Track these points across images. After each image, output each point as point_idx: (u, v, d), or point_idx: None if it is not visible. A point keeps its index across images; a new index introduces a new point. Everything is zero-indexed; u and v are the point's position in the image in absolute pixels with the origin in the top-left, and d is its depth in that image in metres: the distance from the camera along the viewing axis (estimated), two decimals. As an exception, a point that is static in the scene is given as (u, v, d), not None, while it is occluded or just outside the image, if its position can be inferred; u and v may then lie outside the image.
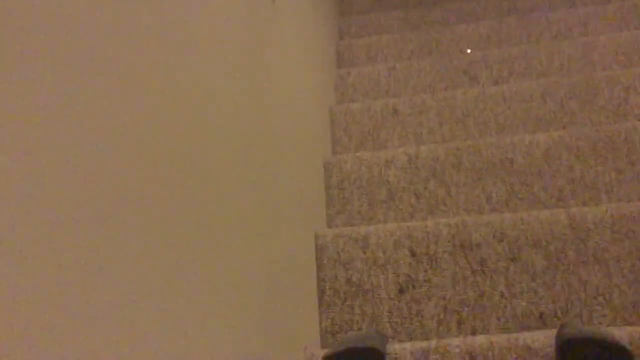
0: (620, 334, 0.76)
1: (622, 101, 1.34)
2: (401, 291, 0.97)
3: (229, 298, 0.60)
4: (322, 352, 0.66)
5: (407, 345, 0.79)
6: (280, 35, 0.97)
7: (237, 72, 0.69)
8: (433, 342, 0.79)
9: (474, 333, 0.94)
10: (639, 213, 0.95)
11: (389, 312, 0.97)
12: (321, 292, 1.01)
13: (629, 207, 0.96)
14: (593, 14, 1.82)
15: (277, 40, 0.94)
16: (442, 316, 0.95)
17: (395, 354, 0.78)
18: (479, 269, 0.96)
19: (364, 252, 1.02)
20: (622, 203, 0.98)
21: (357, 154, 1.30)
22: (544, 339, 0.77)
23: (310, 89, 1.29)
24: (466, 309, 0.94)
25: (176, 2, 0.51)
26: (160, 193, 0.45)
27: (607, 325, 0.90)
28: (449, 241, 1.00)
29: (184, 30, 0.53)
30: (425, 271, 0.98)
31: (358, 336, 0.79)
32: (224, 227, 0.59)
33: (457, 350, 0.77)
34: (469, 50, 1.85)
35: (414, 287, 0.97)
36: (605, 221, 0.95)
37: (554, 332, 0.77)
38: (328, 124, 1.49)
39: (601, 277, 0.92)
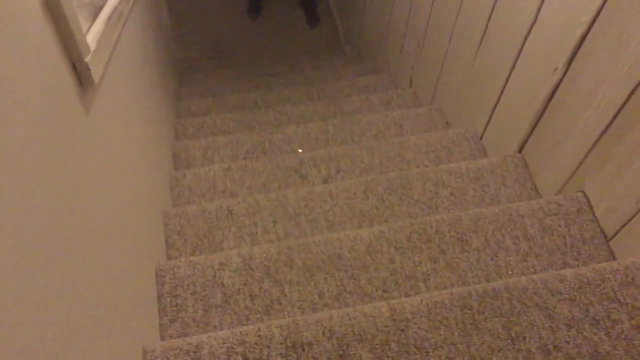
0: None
1: (433, 195, 1.49)
2: (235, 401, 0.95)
3: None
4: None
5: None
6: (102, 140, 0.96)
7: (43, 183, 0.66)
8: None
9: None
10: (449, 301, 1.04)
11: None
12: (151, 412, 0.95)
13: (440, 295, 1.05)
14: (406, 116, 2.04)
15: (97, 144, 0.92)
16: (277, 422, 0.93)
17: None
18: (311, 368, 0.98)
19: (196, 364, 0.99)
20: (435, 292, 1.07)
21: (191, 258, 1.29)
22: None
23: (141, 192, 1.27)
24: (301, 411, 0.94)
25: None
26: None
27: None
28: (281, 343, 1.00)
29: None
30: (259, 377, 0.97)
31: None
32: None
33: None
34: (300, 150, 1.95)
35: (248, 395, 0.96)
36: (422, 310, 1.03)
37: None
38: (162, 228, 1.47)
39: (422, 365, 0.98)
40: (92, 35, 0.95)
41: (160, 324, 1.19)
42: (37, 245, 0.61)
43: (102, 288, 0.82)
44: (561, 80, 1.29)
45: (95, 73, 0.88)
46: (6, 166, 0.56)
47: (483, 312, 1.02)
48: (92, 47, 0.91)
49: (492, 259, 1.23)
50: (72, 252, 0.72)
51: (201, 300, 1.21)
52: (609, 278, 1.04)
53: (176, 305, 1.21)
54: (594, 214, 1.25)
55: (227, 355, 0.99)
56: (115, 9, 1.24)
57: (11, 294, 0.53)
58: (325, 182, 1.70)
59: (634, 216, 1.12)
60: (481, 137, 1.75)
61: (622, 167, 1.13)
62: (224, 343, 1.00)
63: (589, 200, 1.27)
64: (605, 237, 1.23)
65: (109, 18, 1.16)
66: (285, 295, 1.22)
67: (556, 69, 1.30)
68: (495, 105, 1.61)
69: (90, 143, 0.88)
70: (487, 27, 1.60)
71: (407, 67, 2.40)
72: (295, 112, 2.27)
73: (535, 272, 1.21)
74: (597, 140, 1.19)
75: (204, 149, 1.99)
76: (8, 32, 0.62)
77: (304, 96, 2.51)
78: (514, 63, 1.47)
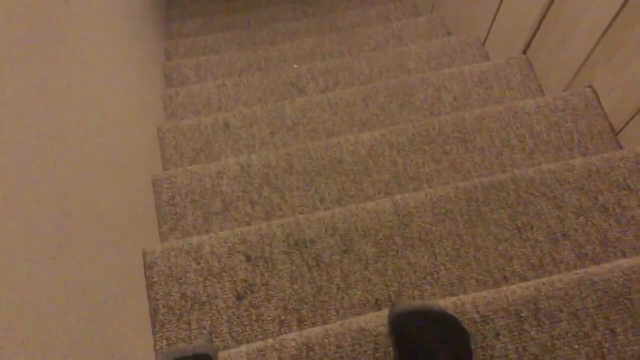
0: (446, 303, 0.79)
1: (435, 100, 1.45)
2: (239, 298, 0.94)
3: (45, 323, 0.52)
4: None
5: (243, 348, 0.75)
6: (84, 33, 0.90)
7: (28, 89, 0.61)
8: (269, 341, 0.76)
9: (315, 330, 0.93)
10: (454, 194, 1.01)
11: (228, 322, 0.92)
12: (154, 312, 0.94)
13: (445, 189, 1.02)
14: (406, 27, 1.96)
15: (79, 36, 0.87)
16: (282, 317, 0.92)
17: (231, 358, 0.74)
18: (315, 264, 0.96)
19: (198, 263, 0.97)
20: (439, 186, 1.04)
21: (188, 167, 1.25)
22: (376, 319, 0.77)
23: (132, 101, 1.22)
24: (305, 306, 0.93)
25: None
26: None
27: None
28: (283, 241, 0.98)
29: None
30: (262, 274, 0.96)
31: (186, 347, 0.74)
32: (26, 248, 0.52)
33: (294, 343, 0.75)
34: (295, 66, 1.89)
35: (252, 292, 0.94)
36: (426, 204, 1.00)
37: (386, 312, 0.79)
38: (157, 143, 1.43)
39: (428, 258, 0.96)
40: None
41: (160, 232, 1.17)
42: (28, 152, 0.57)
43: (96, 197, 0.79)
44: (569, -32, 1.22)
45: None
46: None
47: (489, 204, 0.99)
48: None
49: (497, 158, 1.20)
50: (60, 155, 0.68)
51: (200, 208, 1.19)
52: (618, 166, 1.01)
53: (175, 214, 1.18)
54: (602, 108, 1.21)
55: (228, 253, 0.97)
56: None
57: (13, 199, 0.50)
58: (323, 94, 1.65)
59: (644, 106, 1.08)
60: (484, 43, 1.68)
61: (633, 55, 1.08)
62: (225, 242, 0.98)
63: (597, 95, 1.22)
64: (614, 131, 1.19)
65: None
66: (286, 201, 1.19)
67: (564, -44, 1.22)
68: (499, 6, 1.54)
69: (71, 32, 0.83)
70: None
71: (405, -22, 2.29)
72: (289, 29, 2.19)
73: (541, 169, 1.18)
74: (606, 29, 1.13)
75: (196, 68, 1.92)
76: None
77: (297, 13, 2.42)
78: (519, -43, 1.39)
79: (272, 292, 0.94)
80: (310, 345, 0.74)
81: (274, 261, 0.97)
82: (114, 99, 1.06)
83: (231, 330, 0.92)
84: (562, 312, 0.77)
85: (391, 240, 0.97)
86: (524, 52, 1.48)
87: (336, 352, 0.74)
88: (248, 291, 0.94)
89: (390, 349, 0.75)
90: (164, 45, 2.13)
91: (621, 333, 0.76)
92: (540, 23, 1.37)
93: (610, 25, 1.12)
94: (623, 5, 1.08)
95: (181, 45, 2.14)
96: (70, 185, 0.68)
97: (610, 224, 0.96)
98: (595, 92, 1.22)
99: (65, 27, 0.80)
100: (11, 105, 0.56)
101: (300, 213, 1.18)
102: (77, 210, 0.69)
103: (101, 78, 0.98)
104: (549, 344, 0.76)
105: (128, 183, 1.02)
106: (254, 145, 1.43)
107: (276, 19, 2.39)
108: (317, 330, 0.76)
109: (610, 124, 1.19)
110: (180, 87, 1.75)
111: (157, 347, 0.90)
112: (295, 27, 2.20)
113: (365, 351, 0.75)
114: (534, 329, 0.77)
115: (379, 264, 0.96)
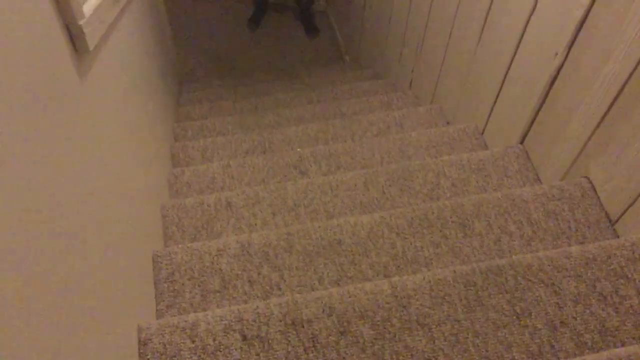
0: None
1: (434, 186, 1.47)
2: (233, 378, 0.92)
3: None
4: None
5: None
6: (97, 111, 0.94)
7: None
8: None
9: (310, 415, 0.91)
10: (452, 277, 1.02)
11: (221, 403, 0.90)
12: (146, 391, 0.92)
13: (443, 273, 1.02)
14: (407, 115, 2.03)
15: (91, 114, 0.91)
16: (276, 400, 0.90)
17: None
18: (311, 345, 0.95)
19: (192, 341, 0.96)
20: (437, 270, 1.05)
21: (188, 244, 1.26)
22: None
23: (137, 178, 1.25)
24: (300, 389, 0.91)
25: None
26: None
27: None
28: (280, 320, 0.98)
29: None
30: (258, 354, 0.94)
31: None
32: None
33: None
34: (299, 149, 1.94)
35: (246, 372, 0.93)
36: (424, 287, 1.00)
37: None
38: (160, 220, 1.44)
39: (425, 342, 0.95)
40: (88, 5, 0.94)
41: (157, 310, 1.16)
42: (26, 227, 0.59)
43: (96, 271, 0.80)
44: (562, 64, 1.28)
45: (90, 39, 0.87)
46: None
47: (487, 289, 0.99)
48: (87, 15, 0.90)
49: (496, 244, 1.21)
50: (63, 227, 0.70)
51: (199, 285, 1.19)
52: (615, 254, 1.01)
53: (173, 291, 1.18)
54: (598, 198, 1.23)
55: (224, 332, 0.96)
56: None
57: (12, 268, 0.51)
58: (325, 177, 1.68)
59: (638, 197, 1.10)
60: (482, 132, 1.73)
61: (626, 146, 1.12)
62: (221, 320, 0.98)
63: (592, 185, 1.25)
64: (610, 220, 1.21)
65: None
66: (285, 281, 1.19)
67: (557, 53, 1.29)
68: (496, 98, 1.60)
69: (84, 111, 0.87)
70: (486, 19, 1.60)
71: (406, 70, 2.40)
72: (294, 114, 2.27)
73: (539, 256, 1.18)
74: (600, 121, 1.18)
75: (202, 149, 1.98)
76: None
77: (303, 100, 2.51)
78: (514, 52, 1.47)
79: (266, 373, 0.92)
80: None
81: (270, 341, 0.95)
82: (121, 176, 1.09)
83: (223, 413, 0.89)
84: (561, 401, 0.75)
85: (389, 323, 0.96)
86: (522, 142, 1.52)
87: None
88: (242, 371, 0.93)
89: None
90: (173, 127, 2.19)
91: None
92: (536, 115, 1.42)
93: (603, 118, 1.16)
94: (615, 99, 1.12)
95: (189, 127, 2.21)
96: (70, 257, 0.70)
97: (608, 313, 0.95)
98: (591, 182, 1.25)
99: (78, 107, 0.84)
100: (19, 177, 0.58)
101: (299, 293, 1.17)
102: (76, 283, 0.70)
103: (111, 156, 1.01)
104: None
105: (128, 258, 1.03)
106: (256, 225, 1.44)
107: (282, 105, 2.48)
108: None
109: (606, 213, 1.21)
110: (186, 167, 1.79)
111: None
112: (300, 112, 2.28)
113: None
114: (533, 418, 0.75)
115: (376, 347, 0.94)
